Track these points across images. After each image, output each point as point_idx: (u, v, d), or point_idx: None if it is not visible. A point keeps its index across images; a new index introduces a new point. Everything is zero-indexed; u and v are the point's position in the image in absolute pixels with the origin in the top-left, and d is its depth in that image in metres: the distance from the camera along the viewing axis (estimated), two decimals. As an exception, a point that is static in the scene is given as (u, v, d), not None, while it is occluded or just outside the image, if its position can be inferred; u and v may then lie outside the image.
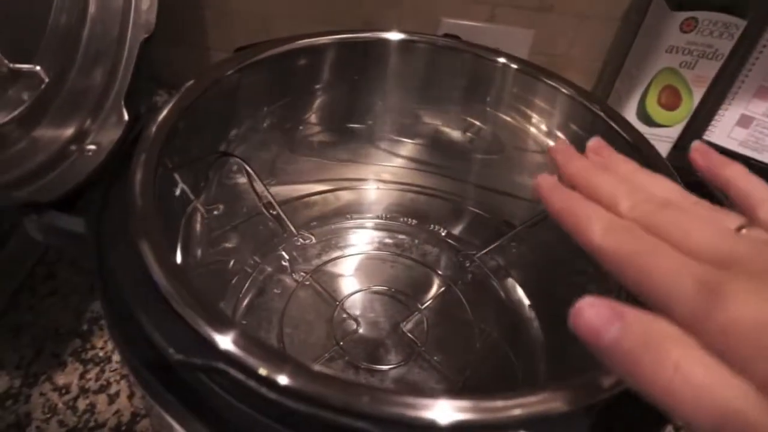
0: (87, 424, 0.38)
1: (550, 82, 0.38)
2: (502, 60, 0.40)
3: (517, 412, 0.21)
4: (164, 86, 0.63)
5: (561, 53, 0.61)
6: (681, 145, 0.63)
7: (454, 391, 0.39)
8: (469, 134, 0.45)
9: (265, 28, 0.59)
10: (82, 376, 0.40)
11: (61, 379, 0.40)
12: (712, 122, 0.60)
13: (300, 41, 0.39)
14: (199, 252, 0.38)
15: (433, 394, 0.21)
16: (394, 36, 0.41)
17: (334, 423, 0.21)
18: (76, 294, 0.45)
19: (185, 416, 0.22)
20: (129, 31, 0.35)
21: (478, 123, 0.44)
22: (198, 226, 0.36)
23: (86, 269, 0.46)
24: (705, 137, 0.61)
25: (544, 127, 0.40)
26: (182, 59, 0.62)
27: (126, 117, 0.32)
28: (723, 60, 0.55)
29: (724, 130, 0.60)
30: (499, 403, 0.20)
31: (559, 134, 0.39)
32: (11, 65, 0.30)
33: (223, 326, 0.22)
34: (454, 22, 0.58)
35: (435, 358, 0.41)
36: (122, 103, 0.33)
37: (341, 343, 0.40)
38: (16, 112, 0.29)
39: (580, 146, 0.38)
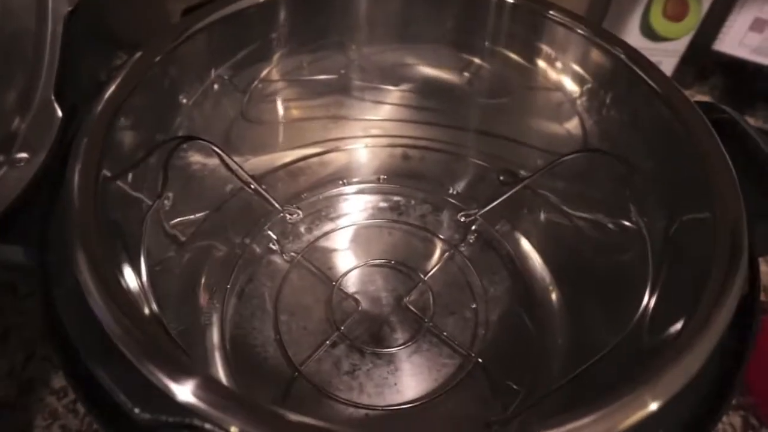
0: (91, 426, 0.36)
1: (557, 17, 0.32)
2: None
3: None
4: (126, 47, 0.57)
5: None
6: (688, 59, 0.58)
7: (467, 368, 0.36)
8: (466, 74, 0.40)
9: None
10: (78, 377, 0.38)
11: (57, 382, 0.38)
12: (722, 29, 0.55)
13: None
14: (173, 251, 0.34)
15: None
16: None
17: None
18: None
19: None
20: (49, 5, 0.29)
21: (477, 60, 0.39)
22: (165, 226, 0.32)
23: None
24: (715, 47, 0.56)
25: (558, 63, 0.35)
26: (141, 14, 0.56)
27: (59, 113, 0.27)
28: (733, -42, 0.50)
29: (736, 36, 0.56)
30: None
31: (577, 68, 0.34)
32: None
33: (186, 375, 0.18)
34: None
35: (444, 332, 0.38)
36: (52, 97, 0.28)
37: (342, 328, 0.37)
38: None
39: (602, 84, 0.34)
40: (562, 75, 0.35)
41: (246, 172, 0.39)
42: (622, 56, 0.31)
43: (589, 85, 0.34)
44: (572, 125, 0.37)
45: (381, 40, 0.40)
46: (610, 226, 0.33)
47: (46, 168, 0.26)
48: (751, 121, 0.58)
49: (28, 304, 0.41)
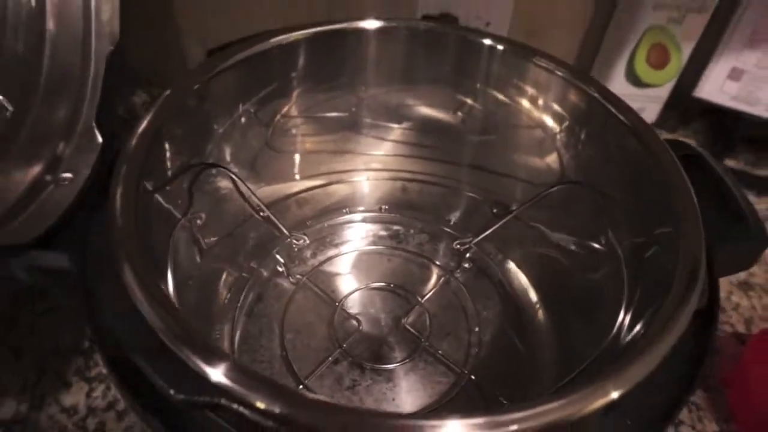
0: (99, 440, 0.37)
1: (539, 62, 0.36)
2: (488, 42, 0.38)
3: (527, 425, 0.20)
4: (145, 84, 0.61)
5: (544, 16, 0.59)
6: (671, 104, 0.62)
7: (460, 384, 0.38)
8: (460, 114, 0.44)
9: (240, 16, 0.57)
10: (88, 395, 0.40)
11: (68, 400, 0.39)
12: (702, 78, 0.59)
13: (273, 38, 0.37)
14: (192, 267, 0.37)
15: (441, 415, 0.20)
16: (371, 24, 0.39)
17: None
18: (74, 310, 0.44)
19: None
20: (92, 46, 0.33)
21: (469, 101, 0.43)
22: (188, 242, 0.35)
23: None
24: (696, 94, 0.60)
25: (540, 102, 0.39)
26: (157, 55, 0.60)
27: (99, 139, 0.31)
28: (711, 12, 0.54)
29: (715, 84, 0.59)
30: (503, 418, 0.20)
31: (557, 108, 0.38)
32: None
33: (219, 360, 0.21)
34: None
35: (439, 351, 0.40)
36: (93, 124, 0.31)
37: (344, 346, 0.40)
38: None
39: (578, 121, 0.37)
40: (544, 114, 0.39)
41: (259, 199, 0.42)
42: (596, 95, 0.35)
43: (567, 123, 0.38)
44: (552, 159, 0.41)
45: (386, 82, 0.44)
46: (589, 249, 0.37)
47: (87, 186, 0.29)
48: (731, 163, 0.62)
49: (42, 322, 0.43)
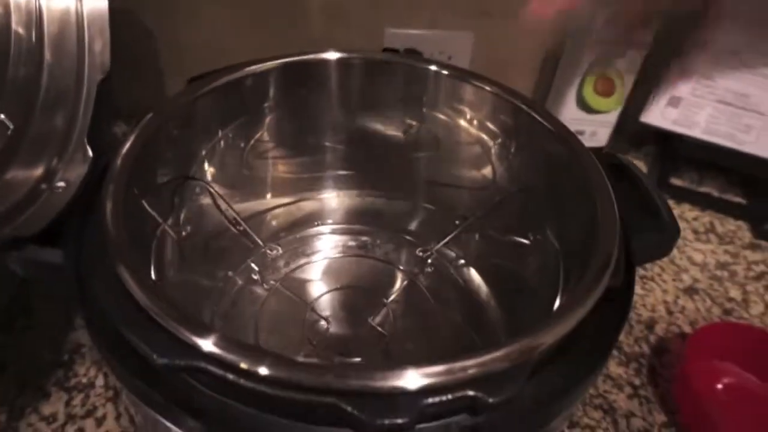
0: (78, 445, 0.39)
1: (476, 83, 0.41)
2: (433, 68, 0.43)
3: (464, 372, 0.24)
4: (124, 117, 0.64)
5: (502, 53, 0.65)
6: (622, 128, 0.67)
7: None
8: (410, 134, 0.48)
9: (216, 54, 0.61)
10: (67, 404, 0.42)
11: (47, 409, 0.41)
12: (646, 105, 0.64)
13: (248, 68, 0.42)
14: (171, 272, 0.40)
15: (389, 365, 0.24)
16: (332, 55, 0.44)
17: (305, 402, 0.24)
18: (53, 327, 0.46)
19: (175, 413, 0.25)
20: (86, 74, 0.37)
21: (416, 123, 0.48)
22: (169, 248, 0.39)
23: (62, 301, 0.48)
24: (641, 119, 0.65)
25: (475, 122, 0.44)
26: (139, 91, 0.64)
27: (90, 153, 0.35)
28: (648, 48, 0.60)
29: (657, 110, 0.64)
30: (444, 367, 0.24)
31: (490, 125, 0.43)
32: (-25, 117, 0.32)
33: (202, 330, 0.24)
34: (398, 31, 0.61)
35: (403, 347, 0.44)
36: (85, 141, 0.35)
37: (314, 342, 0.43)
38: (-14, 160, 0.31)
39: (508, 135, 0.42)
40: (479, 130, 0.44)
41: (236, 212, 0.46)
42: (524, 106, 0.40)
43: (499, 137, 0.43)
44: (488, 171, 0.46)
45: (347, 109, 0.48)
46: (531, 244, 0.41)
47: (78, 194, 0.33)
48: (678, 182, 0.67)
49: (24, 338, 0.45)
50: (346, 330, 0.45)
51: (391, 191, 0.53)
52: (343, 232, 0.53)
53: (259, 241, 0.48)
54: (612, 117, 0.65)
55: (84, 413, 0.41)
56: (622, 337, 0.30)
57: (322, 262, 0.50)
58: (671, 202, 0.65)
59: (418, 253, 0.50)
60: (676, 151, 0.67)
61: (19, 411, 0.41)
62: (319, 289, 0.48)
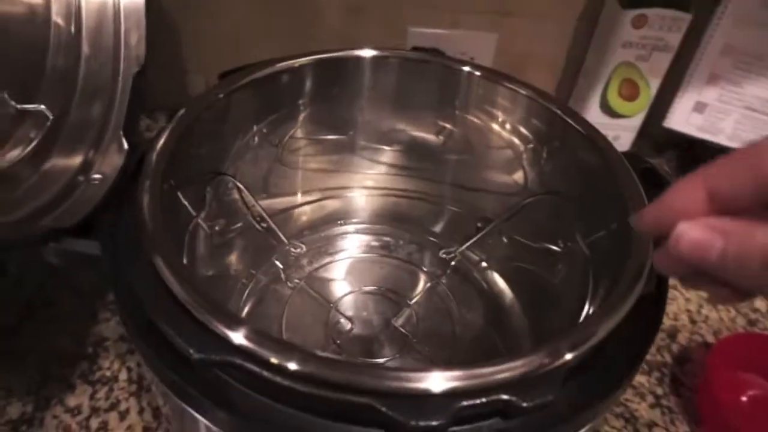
0: (103, 439, 0.40)
1: (510, 85, 0.41)
2: (467, 69, 0.43)
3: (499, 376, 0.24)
4: (145, 110, 0.64)
5: (524, 54, 0.65)
6: (645, 132, 0.67)
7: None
8: (441, 137, 0.48)
9: (239, 50, 0.62)
10: (92, 396, 0.42)
11: (72, 401, 0.42)
12: (670, 110, 0.63)
13: (280, 63, 0.42)
14: (202, 267, 0.40)
15: (424, 368, 0.24)
16: (367, 53, 0.44)
17: (339, 401, 0.24)
18: (77, 319, 0.47)
19: (206, 407, 0.25)
20: (121, 66, 0.38)
21: (449, 126, 0.47)
22: (201, 241, 0.39)
23: (86, 295, 0.48)
24: (665, 124, 0.64)
25: (508, 125, 0.44)
26: (161, 84, 0.65)
27: (125, 146, 0.35)
28: (674, 51, 0.60)
29: (682, 116, 0.64)
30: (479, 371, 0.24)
31: (522, 130, 0.43)
32: (18, 106, 0.32)
33: (237, 325, 0.25)
34: (421, 30, 0.61)
35: (426, 348, 0.44)
36: (121, 133, 0.36)
37: (338, 342, 0.43)
38: (26, 150, 0.32)
39: (541, 140, 0.42)
40: (512, 134, 0.44)
41: (262, 209, 0.46)
42: (558, 111, 0.39)
43: (531, 141, 0.43)
44: (519, 175, 0.45)
45: (379, 108, 0.48)
46: (560, 250, 0.41)
47: (114, 186, 0.33)
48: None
49: (47, 330, 0.46)
50: (369, 331, 0.45)
51: (418, 192, 0.53)
52: (367, 232, 0.53)
53: (284, 239, 0.48)
54: (636, 121, 0.65)
55: (108, 407, 0.42)
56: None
57: (345, 261, 0.50)
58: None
59: (442, 254, 0.50)
60: (700, 157, 0.65)
61: (44, 401, 0.41)
62: (343, 288, 0.48)
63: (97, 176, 0.34)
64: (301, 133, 0.47)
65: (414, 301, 0.47)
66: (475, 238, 0.48)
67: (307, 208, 0.52)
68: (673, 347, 0.49)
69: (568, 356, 0.25)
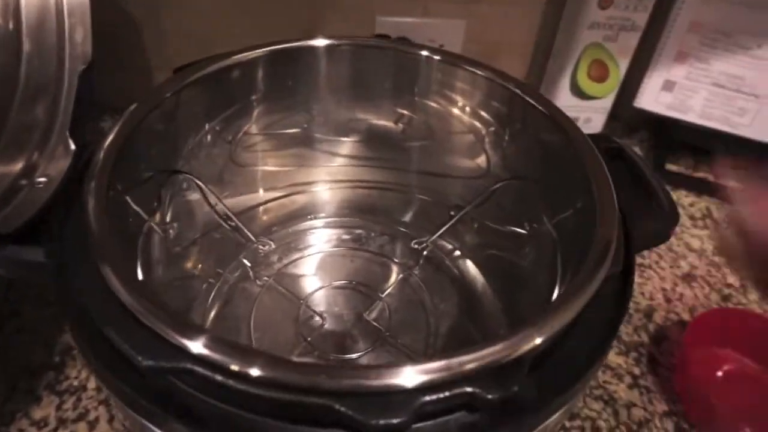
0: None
1: (469, 68, 0.40)
2: (425, 53, 0.42)
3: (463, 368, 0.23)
4: (110, 110, 0.62)
5: (494, 40, 0.64)
6: (617, 114, 0.66)
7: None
8: (400, 125, 0.47)
9: (205, 45, 0.60)
10: (59, 407, 0.41)
11: (37, 414, 0.40)
12: (640, 89, 0.64)
13: (234, 56, 0.40)
14: (160, 270, 0.39)
15: (385, 364, 0.23)
16: (321, 42, 0.43)
17: (298, 404, 0.23)
18: (43, 329, 0.45)
19: (161, 418, 0.24)
20: (66, 64, 0.36)
21: (407, 113, 0.47)
22: (156, 246, 0.38)
23: (53, 303, 0.46)
24: (635, 104, 0.64)
25: (468, 109, 0.43)
26: (125, 82, 0.63)
27: (72, 147, 0.34)
28: (641, 31, 0.59)
29: (651, 95, 0.64)
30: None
31: (483, 113, 0.42)
32: (-50, 109, 0.31)
33: (189, 330, 0.23)
34: (389, 19, 0.60)
35: (399, 341, 0.43)
36: (67, 134, 0.34)
37: (309, 339, 0.42)
38: (-38, 155, 0.30)
39: (502, 122, 0.41)
40: (472, 118, 0.43)
41: (227, 208, 0.45)
42: (517, 90, 0.39)
43: (492, 125, 0.42)
44: (481, 159, 0.45)
45: (335, 98, 0.47)
46: (528, 234, 0.40)
47: (60, 189, 0.32)
48: (673, 167, 0.67)
49: (14, 341, 0.44)
50: (341, 326, 0.44)
51: (385, 183, 0.51)
52: (336, 226, 0.52)
53: (251, 237, 0.47)
54: (606, 103, 0.65)
55: (76, 417, 0.40)
56: (621, 326, 0.29)
57: (315, 256, 0.49)
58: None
59: (413, 245, 0.49)
60: (671, 136, 0.67)
61: (9, 416, 0.40)
62: (313, 284, 0.47)
63: (41, 179, 0.32)
64: (256, 129, 0.46)
65: (386, 293, 0.46)
66: (445, 227, 0.47)
67: (272, 204, 0.50)
68: (649, 327, 0.49)
69: (537, 341, 0.24)
